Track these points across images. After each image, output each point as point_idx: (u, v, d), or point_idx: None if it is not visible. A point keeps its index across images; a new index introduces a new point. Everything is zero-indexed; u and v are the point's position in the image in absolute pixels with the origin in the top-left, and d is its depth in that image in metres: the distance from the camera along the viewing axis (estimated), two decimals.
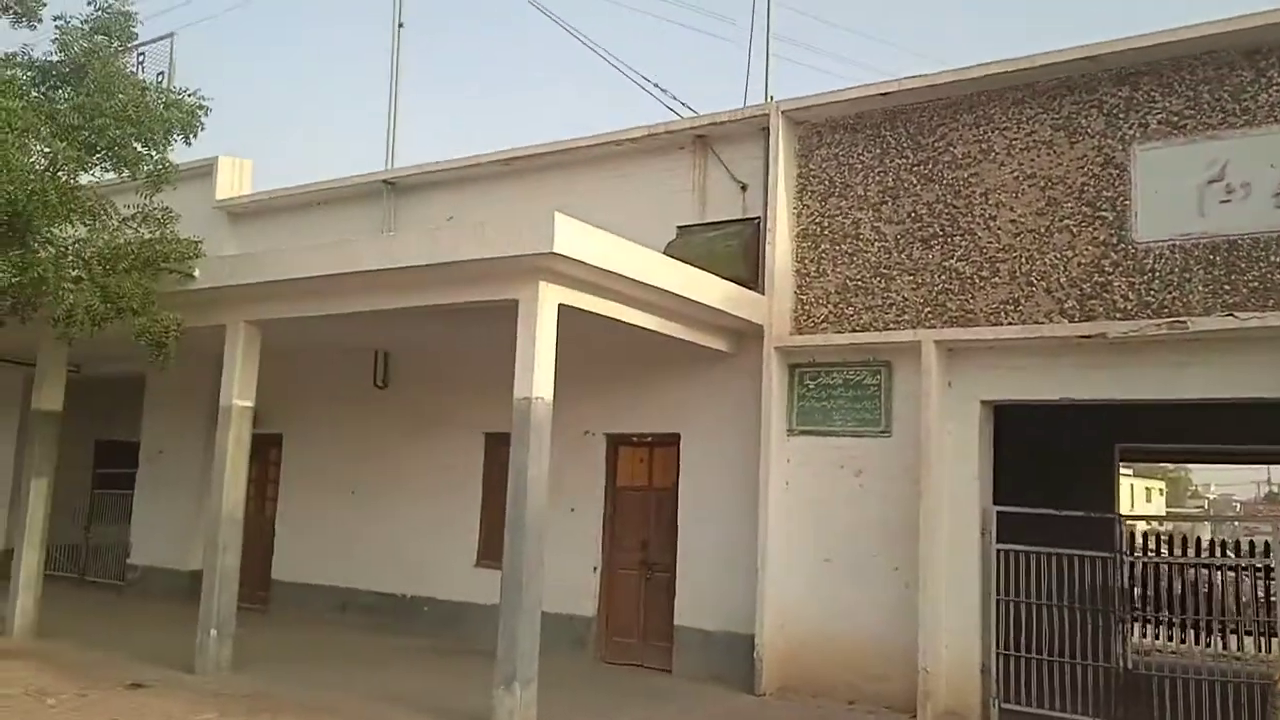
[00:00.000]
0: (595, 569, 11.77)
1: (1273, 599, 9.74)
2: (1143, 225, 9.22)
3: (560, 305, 8.62)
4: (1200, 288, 8.91)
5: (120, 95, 9.94)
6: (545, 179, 12.80)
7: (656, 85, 14.22)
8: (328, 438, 14.30)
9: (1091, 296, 9.37)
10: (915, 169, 10.43)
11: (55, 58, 10.20)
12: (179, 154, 10.76)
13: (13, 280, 9.09)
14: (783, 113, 11.03)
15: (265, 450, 14.36)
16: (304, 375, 13.98)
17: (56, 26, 10.15)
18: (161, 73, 16.19)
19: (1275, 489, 51.72)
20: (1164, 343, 8.94)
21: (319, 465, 14.36)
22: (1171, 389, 9.06)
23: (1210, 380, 8.84)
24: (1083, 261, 9.46)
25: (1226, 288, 8.81)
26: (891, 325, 10.29)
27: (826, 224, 10.86)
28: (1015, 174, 9.88)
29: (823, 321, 10.72)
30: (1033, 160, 9.82)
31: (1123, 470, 17.78)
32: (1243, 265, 8.77)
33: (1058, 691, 9.30)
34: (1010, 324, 9.65)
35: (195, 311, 10.29)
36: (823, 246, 10.85)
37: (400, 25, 17.19)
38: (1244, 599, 10.28)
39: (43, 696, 8.58)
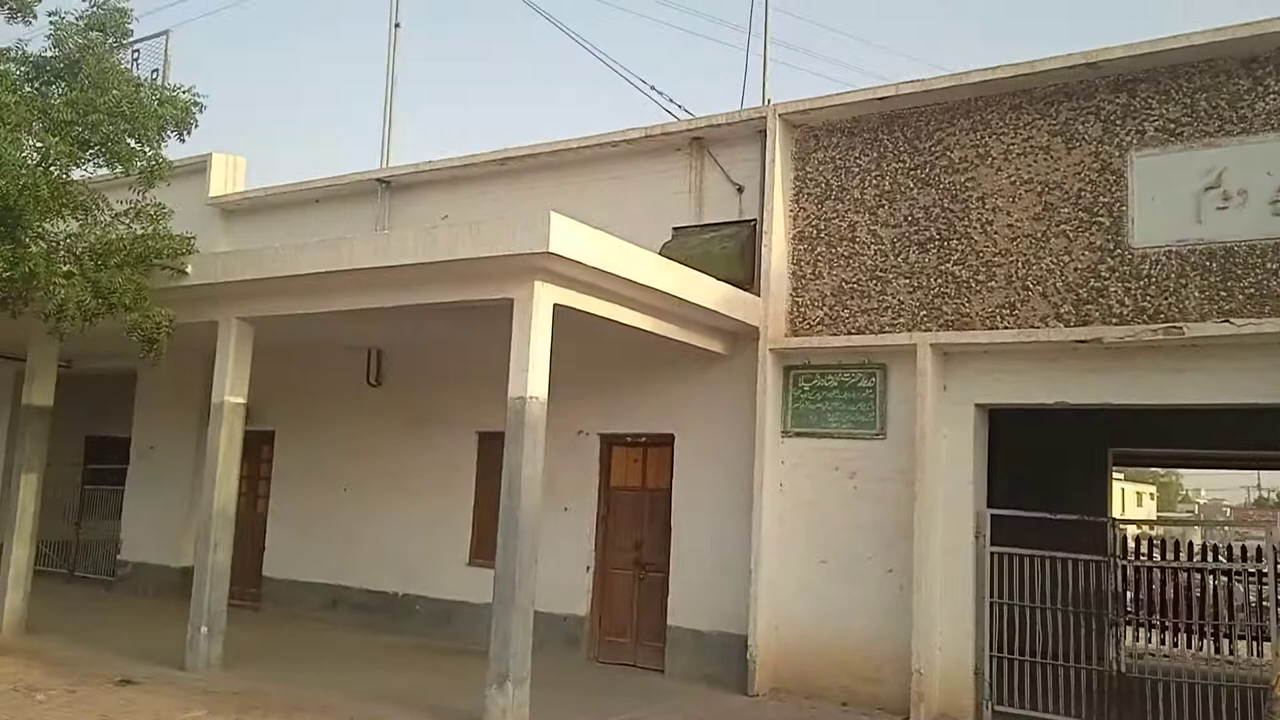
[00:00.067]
0: (588, 569, 11.75)
1: (1265, 604, 9.77)
2: (1139, 231, 9.24)
3: (555, 305, 8.60)
4: (1196, 294, 8.93)
5: (114, 91, 9.89)
6: (540, 179, 12.78)
7: (653, 88, 14.25)
8: (321, 435, 14.25)
9: (1087, 301, 9.38)
10: (912, 173, 10.43)
11: (49, 53, 10.14)
12: (172, 151, 10.75)
13: (3, 275, 9.04)
14: (780, 116, 11.03)
15: (257, 447, 14.31)
16: (297, 372, 13.93)
17: (51, 22, 10.10)
18: (156, 70, 16.15)
19: (1265, 494, 51.95)
20: (1160, 348, 8.96)
21: (312, 463, 14.31)
22: (1167, 394, 9.09)
23: (1206, 386, 8.87)
24: (1079, 267, 9.47)
25: (1223, 294, 8.83)
26: (887, 328, 10.30)
27: (823, 227, 10.86)
28: (1012, 179, 9.90)
29: (818, 324, 10.72)
30: (1030, 165, 9.83)
31: (1114, 474, 17.82)
32: (1239, 272, 8.80)
33: (1050, 694, 9.33)
34: (1006, 328, 9.67)
35: (188, 308, 10.24)
36: (819, 249, 10.85)
37: (396, 25, 17.17)
38: (1237, 604, 10.31)
39: (32, 692, 8.53)
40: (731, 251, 10.97)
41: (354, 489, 13.79)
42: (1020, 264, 9.74)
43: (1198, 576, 10.55)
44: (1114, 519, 10.09)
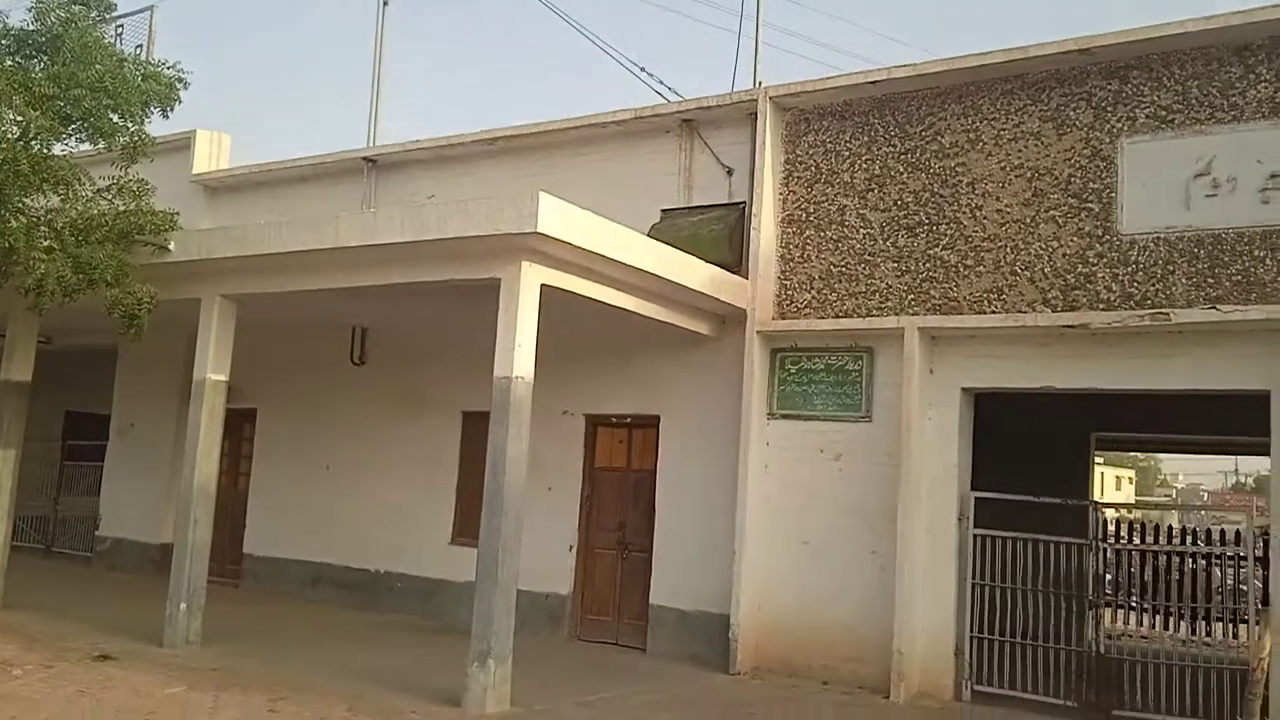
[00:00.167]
0: (571, 548, 11.75)
1: (1241, 586, 9.87)
2: (1128, 218, 9.26)
3: (543, 285, 8.55)
4: (1183, 280, 8.96)
5: (97, 66, 9.75)
6: (528, 159, 12.68)
7: (644, 69, 14.16)
8: (303, 413, 14.17)
9: (1075, 287, 9.40)
10: (902, 157, 10.41)
11: (31, 26, 9.97)
12: (156, 127, 10.62)
13: None
14: (771, 98, 10.98)
15: (239, 425, 14.22)
16: (280, 350, 13.81)
17: None
18: (140, 45, 15.89)
19: (1242, 479, 52.50)
20: (1146, 334, 8.99)
21: (294, 441, 14.23)
22: (1152, 380, 9.14)
23: (1191, 372, 8.91)
24: (1067, 252, 9.48)
25: (1209, 281, 8.86)
26: (875, 312, 10.29)
27: (812, 210, 10.83)
28: (1002, 164, 9.89)
29: (806, 307, 10.70)
30: (1020, 151, 9.82)
31: (1095, 458, 17.92)
32: (1226, 259, 8.83)
33: (1030, 674, 9.41)
34: (994, 312, 9.69)
35: (170, 285, 10.13)
36: (808, 232, 10.82)
37: (385, 3, 16.95)
38: (1215, 586, 10.41)
39: (8, 668, 8.46)
40: (720, 234, 10.93)
41: (336, 467, 13.72)
42: (1009, 249, 9.75)
43: (1176, 559, 10.64)
44: (1096, 502, 10.14)
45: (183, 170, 15.35)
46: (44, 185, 9.66)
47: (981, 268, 9.86)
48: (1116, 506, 11.96)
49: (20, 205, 9.53)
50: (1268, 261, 8.69)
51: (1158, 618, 10.15)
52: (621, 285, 9.51)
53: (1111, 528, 10.58)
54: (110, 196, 10.10)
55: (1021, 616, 9.52)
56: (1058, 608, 9.52)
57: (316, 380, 14.08)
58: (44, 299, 9.28)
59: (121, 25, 15.54)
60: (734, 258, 10.85)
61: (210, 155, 15.77)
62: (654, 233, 10.78)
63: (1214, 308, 8.71)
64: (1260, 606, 8.91)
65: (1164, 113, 9.26)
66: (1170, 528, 11.60)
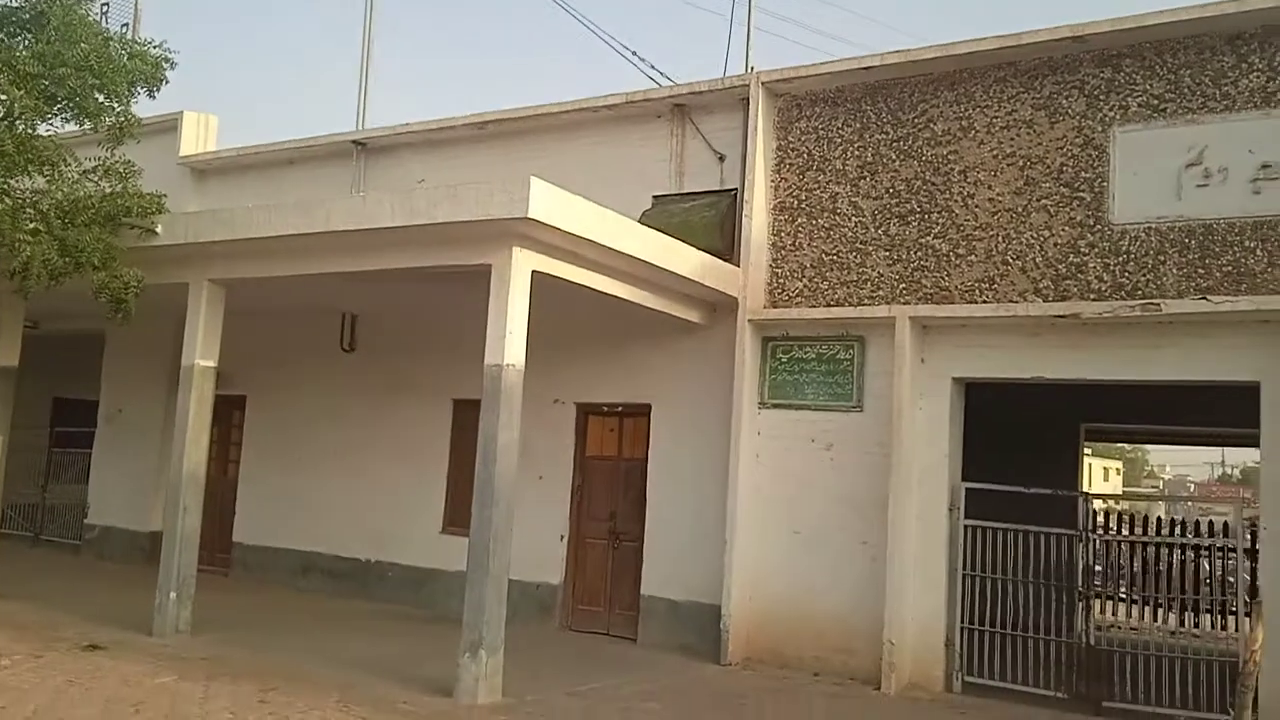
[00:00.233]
0: (563, 538, 11.73)
1: (1229, 578, 9.90)
2: (1119, 207, 9.25)
3: (534, 272, 8.49)
4: (1174, 271, 8.95)
5: (82, 45, 9.64)
6: (519, 144, 12.60)
7: (635, 53, 14.09)
8: (293, 400, 14.10)
9: (1066, 277, 9.39)
10: (895, 145, 10.37)
11: (15, 3, 9.85)
12: (142, 108, 10.52)
13: None
14: (763, 84, 10.92)
15: (228, 412, 14.15)
16: (269, 337, 13.74)
17: None
18: (126, 24, 15.80)
19: (1229, 471, 52.79)
20: (1137, 324, 8.99)
21: (283, 428, 14.16)
22: (1143, 370, 9.14)
23: (1181, 362, 8.91)
24: (1059, 242, 9.47)
25: (1200, 271, 8.86)
26: (866, 301, 10.27)
27: (804, 197, 10.79)
28: (995, 152, 9.86)
29: (797, 295, 10.67)
30: (1013, 139, 9.79)
31: (1084, 449, 17.96)
32: (1217, 249, 8.82)
33: (1020, 665, 9.43)
34: (985, 302, 9.67)
35: (157, 268, 10.05)
36: (799, 220, 10.78)
37: None
38: (1203, 577, 10.44)
39: None
40: (711, 221, 10.88)
41: (326, 455, 13.66)
42: (1000, 238, 9.73)
43: (1164, 551, 10.67)
44: (1086, 493, 10.16)
45: (170, 152, 15.22)
46: (29, 166, 9.57)
47: (973, 257, 9.84)
48: (1106, 497, 11.96)
49: (5, 187, 9.45)
50: (1258, 252, 8.69)
51: (1146, 609, 10.18)
52: (613, 272, 9.47)
53: (1099, 519, 10.61)
54: (97, 178, 10.00)
55: (1012, 607, 9.53)
56: (1048, 599, 9.53)
57: (306, 367, 14.00)
58: (30, 282, 9.20)
59: (107, 4, 15.45)
60: (725, 245, 10.81)
61: (198, 137, 15.64)
62: (645, 219, 10.73)
63: (1204, 298, 8.71)
64: (1249, 598, 8.93)
65: (1156, 101, 9.24)
66: (1159, 519, 11.66)
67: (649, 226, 10.16)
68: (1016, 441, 12.99)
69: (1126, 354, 9.10)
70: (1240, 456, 47.55)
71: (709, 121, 11.43)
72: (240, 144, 15.38)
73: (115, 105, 10.01)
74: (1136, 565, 10.54)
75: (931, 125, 10.20)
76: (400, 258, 9.00)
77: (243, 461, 14.68)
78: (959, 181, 9.99)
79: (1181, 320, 8.82)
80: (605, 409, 11.82)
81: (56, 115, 9.99)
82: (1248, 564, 9.27)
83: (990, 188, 9.83)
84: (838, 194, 10.61)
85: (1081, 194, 9.43)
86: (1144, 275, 9.07)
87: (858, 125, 10.60)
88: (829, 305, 10.44)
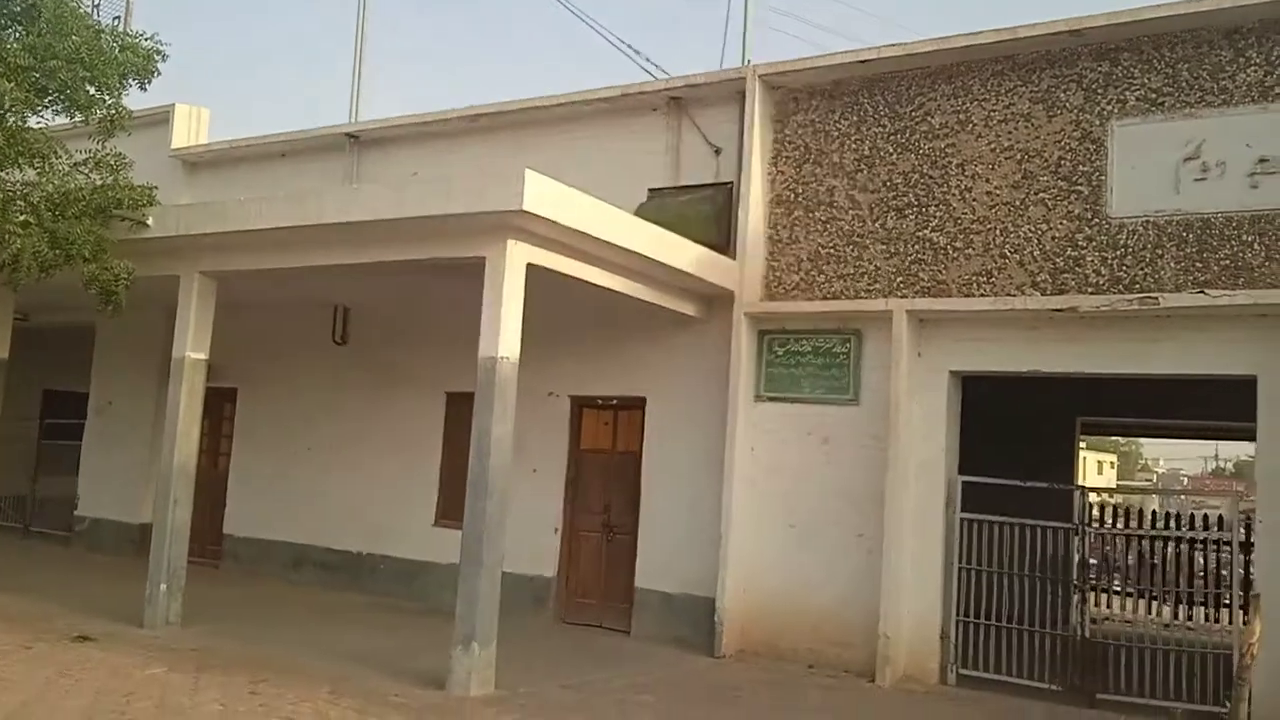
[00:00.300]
0: (556, 530, 11.69)
1: (1222, 571, 9.91)
2: (1117, 201, 9.22)
3: (529, 265, 8.44)
4: (1172, 264, 8.93)
5: (73, 37, 9.57)
6: (513, 137, 12.55)
7: (630, 46, 14.01)
8: (284, 393, 14.03)
9: (1064, 270, 9.36)
10: (892, 138, 10.33)
11: None
12: (134, 100, 10.43)
13: None
14: (760, 77, 10.87)
15: (219, 404, 14.07)
16: (261, 329, 13.67)
17: None
18: (117, 16, 15.70)
19: (1222, 464, 52.96)
20: (1134, 318, 8.96)
21: (275, 421, 14.10)
22: (1140, 364, 9.12)
23: (1179, 356, 8.90)
24: (1056, 235, 9.44)
25: (1198, 265, 8.84)
26: (863, 294, 10.23)
27: (800, 190, 10.74)
28: (992, 146, 9.82)
29: (794, 289, 10.63)
30: (1010, 133, 9.76)
31: (1080, 443, 17.97)
32: (1215, 243, 8.80)
33: (1015, 658, 9.42)
34: (982, 296, 9.64)
35: (148, 261, 9.97)
36: (796, 213, 10.74)
37: None
38: (1197, 571, 10.46)
39: None
40: (708, 214, 10.83)
41: (318, 448, 13.60)
42: (998, 232, 9.70)
43: (1160, 544, 10.68)
44: (1083, 487, 10.15)
45: (161, 145, 15.13)
46: (19, 159, 9.51)
47: (970, 250, 9.80)
48: (1102, 491, 11.96)
49: None
50: (1256, 246, 8.67)
51: (1141, 602, 10.18)
52: (609, 265, 9.42)
53: (1095, 512, 10.61)
54: (87, 170, 9.92)
55: (1007, 601, 9.52)
56: (1043, 592, 9.52)
57: (298, 360, 13.93)
58: (20, 274, 9.15)
59: None
60: (721, 238, 10.76)
61: (189, 130, 15.55)
62: (641, 212, 10.66)
63: (1202, 292, 8.69)
64: (1245, 591, 8.94)
65: (1154, 95, 9.21)
66: (1154, 512, 11.66)
67: (645, 219, 10.11)
68: (1012, 435, 12.98)
69: (1124, 348, 9.08)
70: (1233, 450, 47.70)
71: (705, 115, 11.37)
72: (232, 137, 15.31)
73: (106, 98, 9.94)
74: (1131, 559, 10.55)
75: (929, 118, 10.16)
76: (393, 250, 8.93)
77: (234, 454, 14.61)
78: (956, 175, 9.95)
79: (1179, 314, 8.80)
80: (600, 402, 11.78)
81: (47, 107, 9.92)
82: (1242, 558, 9.27)
83: (988, 181, 9.80)
84: (834, 187, 10.56)
85: (1079, 188, 9.40)
86: (1141, 269, 9.05)
87: (855, 118, 10.55)
88: (825, 298, 10.40)
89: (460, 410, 11.18)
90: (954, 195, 9.94)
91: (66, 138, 10.33)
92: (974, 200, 9.84)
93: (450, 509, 11.81)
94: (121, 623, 9.66)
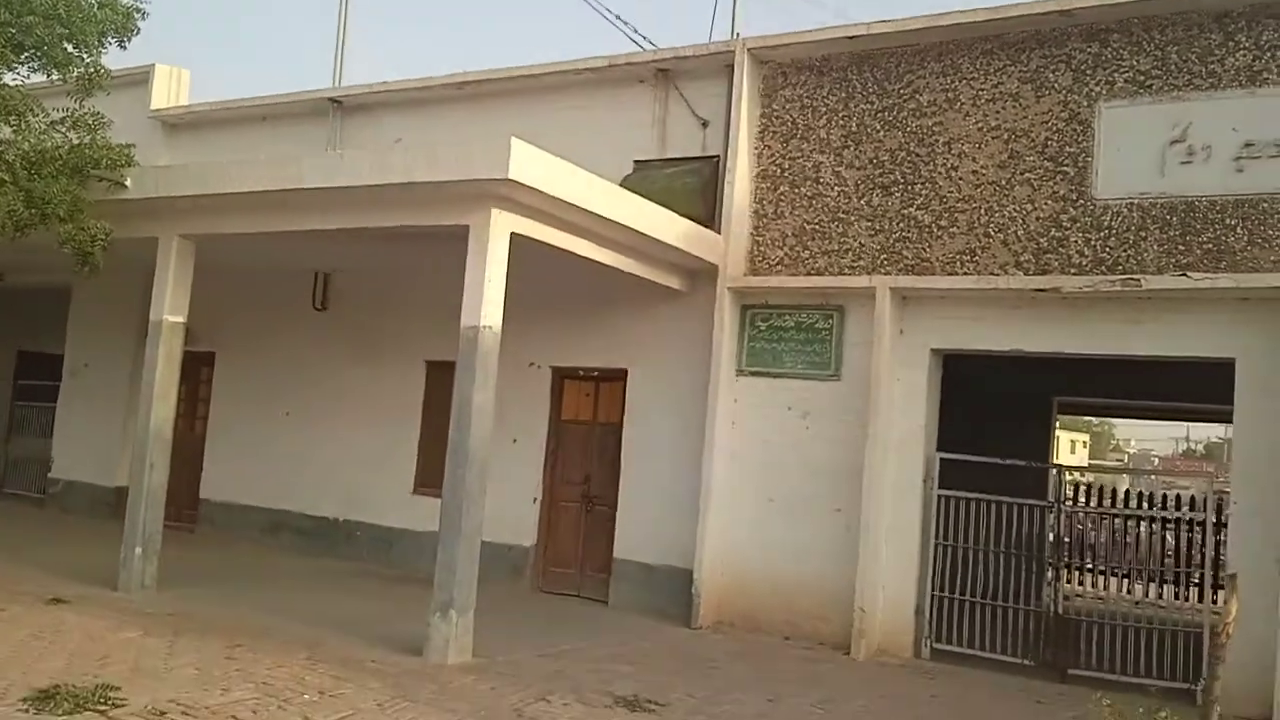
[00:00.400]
0: (535, 500, 11.70)
1: (1195, 550, 10.02)
2: (1103, 182, 9.24)
3: (513, 234, 8.37)
4: (1155, 247, 8.97)
5: None
6: (499, 105, 12.44)
7: (619, 17, 13.89)
8: (263, 358, 13.93)
9: (1048, 251, 9.39)
10: (879, 115, 10.30)
11: None
12: (113, 59, 10.23)
13: None
14: (748, 50, 10.80)
15: (197, 368, 13.95)
16: (240, 293, 13.54)
17: None
18: None
19: (1192, 445, 53.62)
20: (1116, 299, 9.02)
21: (253, 386, 14.00)
22: (1121, 345, 9.18)
23: (1159, 338, 8.96)
24: (1041, 216, 9.46)
25: (1181, 248, 8.88)
26: (847, 270, 10.24)
27: (787, 166, 10.71)
28: (980, 125, 9.81)
29: (778, 264, 10.62)
30: (998, 112, 9.75)
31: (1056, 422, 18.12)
32: (1198, 226, 8.84)
33: (988, 634, 9.52)
34: (966, 274, 9.66)
35: (126, 222, 9.82)
36: (782, 188, 10.71)
37: None
38: (1167, 550, 10.59)
39: None
40: (693, 187, 10.79)
41: (296, 414, 13.53)
42: (983, 211, 9.71)
43: (1132, 523, 10.79)
44: (1060, 465, 10.24)
45: (141, 105, 14.92)
46: None
47: (955, 229, 9.81)
48: (1079, 470, 12.08)
49: None
50: (1239, 230, 8.72)
51: (1114, 580, 10.30)
52: (593, 236, 9.36)
53: (1069, 491, 10.71)
54: (65, 129, 9.74)
55: (982, 577, 9.61)
56: (1018, 569, 9.61)
57: (277, 325, 13.83)
58: None
59: None
60: (707, 212, 10.72)
61: (169, 91, 15.32)
62: (626, 184, 10.62)
63: (1185, 275, 8.74)
64: (1216, 571, 9.06)
65: (1142, 78, 9.21)
66: (1127, 492, 11.80)
67: (630, 192, 10.05)
68: (990, 413, 13.07)
69: (1105, 329, 9.14)
70: (1204, 432, 48.31)
71: (693, 87, 11.30)
72: (212, 99, 15.11)
73: (84, 56, 9.72)
74: (1103, 537, 10.67)
75: (917, 96, 10.13)
76: (376, 217, 8.84)
77: (211, 418, 14.52)
78: (943, 153, 9.94)
79: (1161, 296, 8.86)
80: (581, 373, 11.76)
81: (24, 64, 9.68)
82: (1213, 538, 9.38)
83: (974, 160, 9.80)
84: (821, 163, 10.53)
85: (1065, 168, 9.41)
86: (1125, 251, 9.09)
87: (843, 94, 10.51)
88: (809, 274, 10.40)
89: (440, 379, 11.14)
90: (940, 173, 9.93)
91: (44, 96, 10.11)
92: (960, 179, 9.84)
93: (429, 477, 11.79)
94: (96, 586, 9.59)
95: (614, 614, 10.68)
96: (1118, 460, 52.36)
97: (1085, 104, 9.39)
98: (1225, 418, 8.91)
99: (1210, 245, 8.77)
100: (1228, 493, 9.01)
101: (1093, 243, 9.22)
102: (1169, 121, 9.00)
